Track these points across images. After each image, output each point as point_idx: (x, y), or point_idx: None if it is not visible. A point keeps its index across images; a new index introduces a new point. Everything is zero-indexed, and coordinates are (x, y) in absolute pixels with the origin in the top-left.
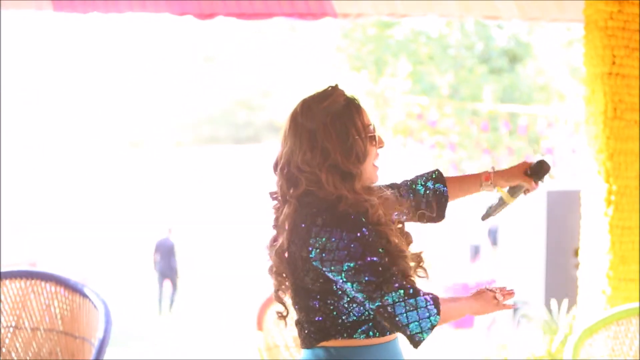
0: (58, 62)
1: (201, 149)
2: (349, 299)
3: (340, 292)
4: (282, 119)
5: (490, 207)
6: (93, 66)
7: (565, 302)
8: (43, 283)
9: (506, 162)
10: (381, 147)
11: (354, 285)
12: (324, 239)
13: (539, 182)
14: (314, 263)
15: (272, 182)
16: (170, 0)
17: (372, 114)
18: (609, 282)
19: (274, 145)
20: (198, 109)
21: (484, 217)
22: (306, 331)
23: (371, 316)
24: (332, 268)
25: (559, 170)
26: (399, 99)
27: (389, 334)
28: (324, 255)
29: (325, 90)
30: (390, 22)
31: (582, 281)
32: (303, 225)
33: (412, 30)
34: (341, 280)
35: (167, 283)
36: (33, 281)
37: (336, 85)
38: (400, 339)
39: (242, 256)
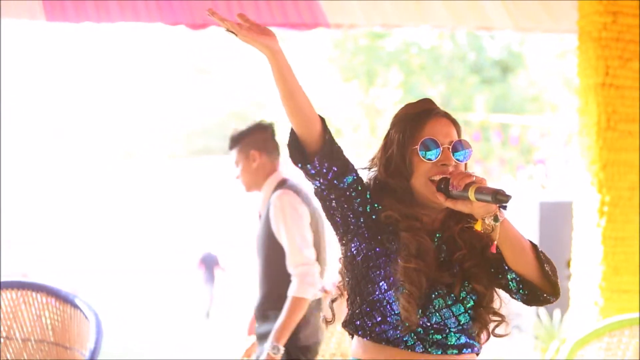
0: (51, 72)
1: (194, 160)
2: None
3: None
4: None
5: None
6: (87, 76)
7: (558, 313)
8: (34, 294)
9: (498, 173)
10: (443, 164)
11: None
12: None
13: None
14: None
15: None
16: (163, 10)
17: (362, 124)
18: (601, 293)
19: None
20: (191, 120)
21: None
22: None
23: None
24: None
25: (552, 181)
26: (390, 109)
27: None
28: None
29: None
30: (382, 33)
31: (575, 292)
32: None
33: (404, 41)
34: None
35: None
36: (24, 292)
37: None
38: None
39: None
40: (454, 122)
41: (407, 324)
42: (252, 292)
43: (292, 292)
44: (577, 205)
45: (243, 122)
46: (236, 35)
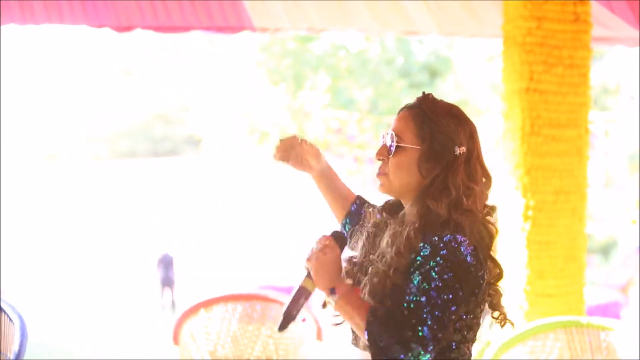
0: None
1: (119, 162)
2: None
3: None
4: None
5: (287, 309)
6: (10, 77)
7: (487, 317)
8: None
9: None
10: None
11: None
12: None
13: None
14: None
15: None
16: (88, 12)
17: (290, 127)
18: (526, 297)
19: (192, 159)
20: (116, 122)
21: (283, 327)
22: None
23: None
24: None
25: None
26: (318, 113)
27: None
28: None
29: None
30: (309, 37)
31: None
32: None
33: (332, 44)
34: None
35: (167, 291)
36: None
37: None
38: None
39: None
40: (418, 115)
41: None
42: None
43: None
44: (501, 209)
45: (168, 125)
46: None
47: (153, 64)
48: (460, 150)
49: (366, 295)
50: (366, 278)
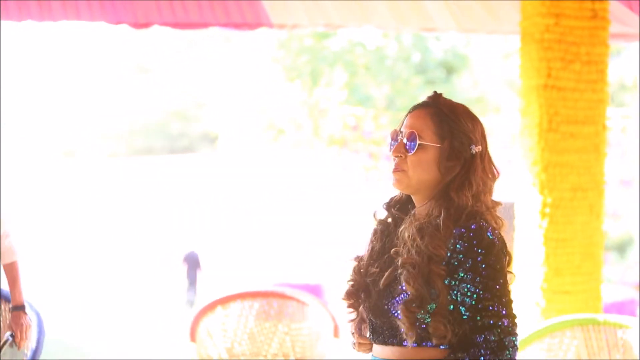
0: None
1: (135, 159)
2: None
3: None
4: (217, 130)
5: None
6: (27, 74)
7: None
8: None
9: None
10: (393, 154)
11: None
12: None
13: None
14: None
15: None
16: (106, 9)
17: (305, 124)
18: (543, 295)
19: (208, 156)
20: (132, 119)
21: None
22: None
23: None
24: None
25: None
26: (334, 109)
27: None
28: None
29: None
30: (326, 33)
31: (517, 293)
32: None
33: (349, 41)
34: None
35: (192, 288)
36: None
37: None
38: None
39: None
40: (435, 113)
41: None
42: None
43: None
44: (519, 206)
45: (184, 121)
46: None
47: (170, 61)
48: (477, 149)
49: (403, 286)
50: (401, 270)
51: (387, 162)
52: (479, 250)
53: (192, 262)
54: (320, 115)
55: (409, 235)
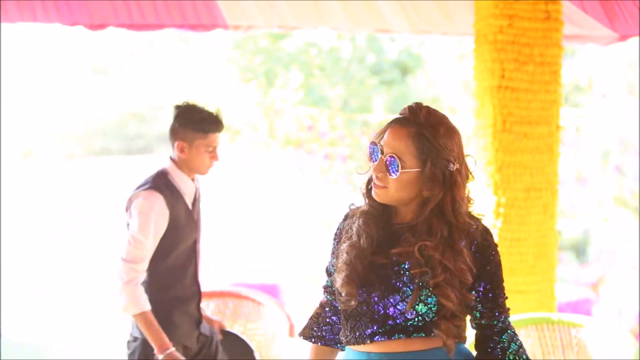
0: None
1: (92, 160)
2: None
3: None
4: None
5: None
6: None
7: None
8: None
9: None
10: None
11: None
12: None
13: None
14: None
15: None
16: (61, 10)
17: (261, 124)
18: None
19: (165, 157)
20: (89, 120)
21: None
22: None
23: None
24: None
25: None
26: (289, 110)
27: None
28: None
29: None
30: (282, 34)
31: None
32: None
33: (304, 42)
34: None
35: None
36: None
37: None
38: None
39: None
40: (416, 135)
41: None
42: None
43: None
44: (473, 206)
45: (142, 122)
46: None
47: (126, 62)
48: (456, 166)
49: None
50: (436, 290)
51: (342, 163)
52: (493, 252)
53: None
54: (275, 116)
55: (423, 255)
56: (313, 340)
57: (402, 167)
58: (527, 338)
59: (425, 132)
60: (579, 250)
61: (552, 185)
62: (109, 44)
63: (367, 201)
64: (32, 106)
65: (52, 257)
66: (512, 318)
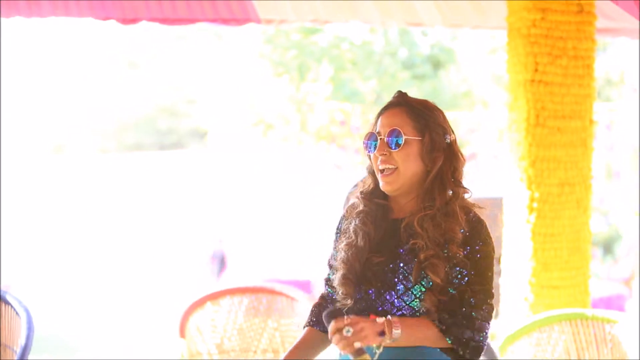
0: None
1: (125, 155)
2: None
3: None
4: (206, 125)
5: None
6: (16, 71)
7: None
8: None
9: None
10: (381, 153)
11: None
12: None
13: None
14: None
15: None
16: (94, 5)
17: (293, 119)
18: (531, 289)
19: (197, 152)
20: (122, 115)
21: None
22: None
23: None
24: None
25: (482, 176)
26: (321, 104)
27: None
28: None
29: None
30: (314, 28)
31: (505, 288)
32: None
33: (336, 36)
34: None
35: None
36: None
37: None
38: None
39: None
40: (409, 110)
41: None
42: None
43: None
44: (507, 201)
45: (173, 117)
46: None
47: (158, 57)
48: (452, 137)
49: (428, 276)
50: (426, 263)
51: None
52: (482, 241)
53: (220, 260)
54: (308, 111)
55: (422, 227)
56: (311, 325)
57: (404, 135)
58: (562, 334)
59: (416, 105)
60: (607, 246)
61: (585, 180)
62: (142, 39)
63: (364, 202)
64: (65, 101)
65: (83, 250)
66: (546, 314)
